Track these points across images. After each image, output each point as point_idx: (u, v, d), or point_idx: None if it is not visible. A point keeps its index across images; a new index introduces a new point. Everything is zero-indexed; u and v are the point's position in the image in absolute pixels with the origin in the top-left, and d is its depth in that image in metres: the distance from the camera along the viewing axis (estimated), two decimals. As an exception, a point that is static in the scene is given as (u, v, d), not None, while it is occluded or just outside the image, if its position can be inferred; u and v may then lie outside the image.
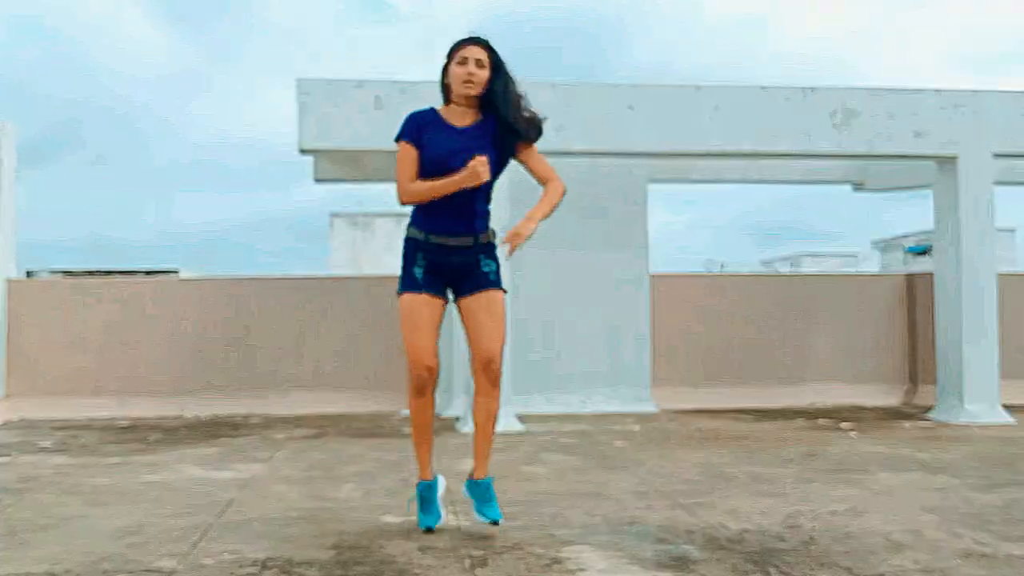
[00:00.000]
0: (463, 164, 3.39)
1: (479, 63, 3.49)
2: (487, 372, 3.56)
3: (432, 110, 3.60)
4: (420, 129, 3.54)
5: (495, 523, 3.61)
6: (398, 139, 3.56)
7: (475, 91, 3.49)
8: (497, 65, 3.51)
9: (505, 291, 3.65)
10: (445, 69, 3.56)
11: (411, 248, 3.57)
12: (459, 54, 3.50)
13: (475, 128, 3.55)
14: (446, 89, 3.59)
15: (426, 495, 3.63)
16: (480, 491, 3.66)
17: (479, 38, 3.54)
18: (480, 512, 3.64)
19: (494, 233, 3.64)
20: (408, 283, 3.55)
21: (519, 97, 3.55)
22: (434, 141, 3.50)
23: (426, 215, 3.54)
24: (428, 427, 3.66)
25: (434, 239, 3.52)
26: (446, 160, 3.45)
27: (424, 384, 3.53)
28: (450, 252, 3.53)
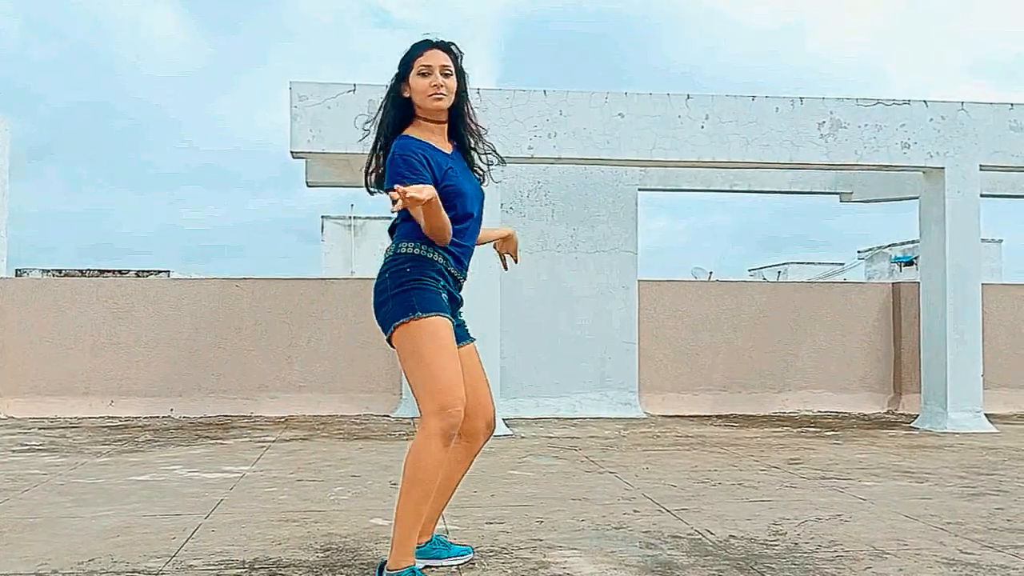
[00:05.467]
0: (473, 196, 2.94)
1: (444, 70, 2.86)
2: (487, 435, 3.06)
3: (417, 139, 2.87)
4: (432, 162, 2.83)
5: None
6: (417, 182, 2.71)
7: (447, 102, 2.87)
8: (460, 77, 2.92)
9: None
10: (399, 82, 2.90)
11: (429, 269, 2.83)
12: (419, 63, 2.85)
13: (456, 152, 2.98)
14: (401, 106, 2.91)
15: None
16: (438, 544, 3.17)
17: (441, 41, 2.91)
18: (452, 553, 3.16)
19: None
20: (435, 304, 2.80)
21: (477, 123, 3.01)
22: (452, 171, 2.88)
23: (453, 243, 2.88)
24: (439, 488, 2.94)
25: (454, 271, 2.92)
26: (462, 193, 2.89)
27: (458, 425, 2.79)
28: (459, 289, 2.98)
